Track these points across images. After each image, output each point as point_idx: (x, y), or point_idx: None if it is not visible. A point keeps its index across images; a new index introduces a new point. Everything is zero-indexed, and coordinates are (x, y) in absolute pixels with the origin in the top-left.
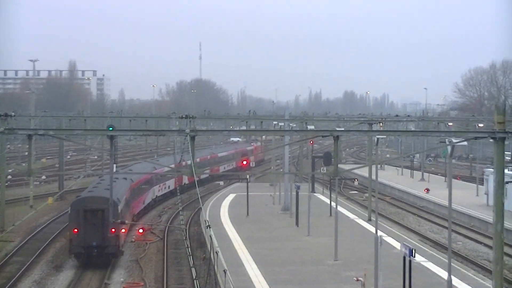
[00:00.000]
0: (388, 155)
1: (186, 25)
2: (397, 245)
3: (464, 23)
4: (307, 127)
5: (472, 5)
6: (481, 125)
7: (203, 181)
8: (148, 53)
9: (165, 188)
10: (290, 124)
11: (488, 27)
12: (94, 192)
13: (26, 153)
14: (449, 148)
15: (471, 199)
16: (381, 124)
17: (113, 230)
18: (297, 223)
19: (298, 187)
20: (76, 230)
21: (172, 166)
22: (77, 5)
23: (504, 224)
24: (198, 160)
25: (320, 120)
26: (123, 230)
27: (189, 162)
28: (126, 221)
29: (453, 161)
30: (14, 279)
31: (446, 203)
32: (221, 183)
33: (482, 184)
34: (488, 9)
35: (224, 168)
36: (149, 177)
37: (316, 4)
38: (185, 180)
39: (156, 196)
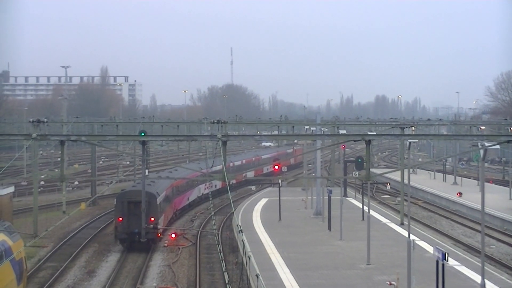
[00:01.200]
0: (420, 159)
1: (217, 30)
2: (430, 249)
3: (496, 27)
4: (338, 132)
5: (503, 9)
6: None
7: (248, 181)
8: (180, 58)
9: (211, 186)
10: (322, 129)
11: None
12: (137, 187)
13: (59, 159)
14: (481, 151)
15: (504, 203)
16: (413, 128)
17: (152, 218)
18: (329, 228)
19: (330, 192)
20: (120, 219)
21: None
22: (109, 12)
23: None
24: (244, 161)
25: (351, 125)
26: (159, 234)
27: (234, 163)
28: (160, 226)
29: (486, 164)
30: (47, 284)
31: (479, 206)
32: (253, 187)
33: None
34: None
35: (268, 169)
36: (194, 176)
37: (347, 11)
38: (233, 180)
39: (202, 194)
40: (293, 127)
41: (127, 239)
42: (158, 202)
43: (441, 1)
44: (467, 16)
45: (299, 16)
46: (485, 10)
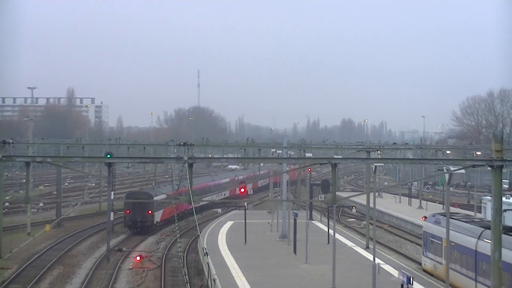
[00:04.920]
0: (386, 183)
1: (184, 53)
2: (395, 272)
3: (461, 52)
4: (305, 155)
5: (470, 35)
6: (478, 153)
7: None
8: (147, 81)
9: (221, 195)
10: (288, 152)
11: (485, 56)
12: (140, 189)
13: (24, 180)
14: (447, 176)
15: None
16: (379, 152)
17: (149, 212)
18: (295, 251)
19: (296, 215)
20: (128, 211)
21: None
22: (76, 33)
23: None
24: (245, 176)
25: (318, 148)
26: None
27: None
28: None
29: (451, 189)
30: None
31: None
32: (219, 210)
33: (480, 212)
34: (486, 38)
35: (261, 183)
36: (207, 184)
37: (314, 34)
38: (237, 191)
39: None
40: (260, 150)
41: (131, 225)
42: (154, 201)
43: (405, 26)
44: (434, 40)
45: (265, 42)
46: (451, 35)
